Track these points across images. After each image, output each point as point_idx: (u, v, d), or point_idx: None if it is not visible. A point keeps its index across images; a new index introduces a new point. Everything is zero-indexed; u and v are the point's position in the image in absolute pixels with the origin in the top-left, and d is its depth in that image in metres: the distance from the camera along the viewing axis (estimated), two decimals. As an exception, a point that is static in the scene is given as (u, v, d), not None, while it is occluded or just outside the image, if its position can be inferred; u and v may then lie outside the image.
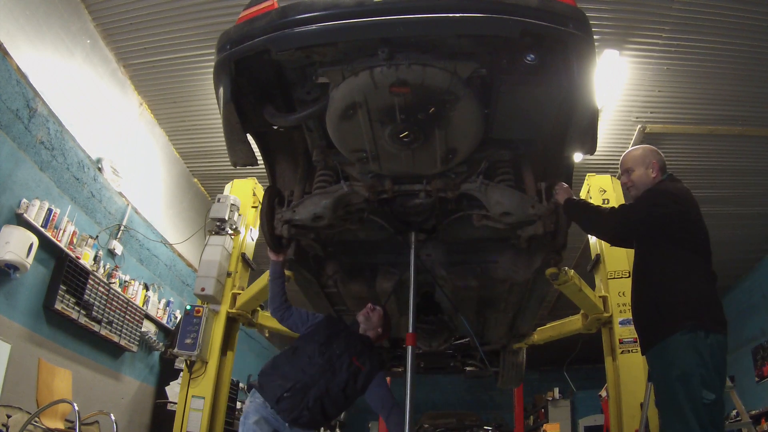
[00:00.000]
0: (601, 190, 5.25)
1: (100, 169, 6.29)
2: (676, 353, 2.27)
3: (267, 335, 11.83)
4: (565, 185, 3.01)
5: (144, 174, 7.27)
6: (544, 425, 12.72)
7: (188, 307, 5.03)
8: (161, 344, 7.62)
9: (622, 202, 2.92)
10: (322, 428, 10.30)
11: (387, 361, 5.93)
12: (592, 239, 5.50)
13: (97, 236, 6.13)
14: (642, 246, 2.62)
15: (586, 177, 5.51)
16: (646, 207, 2.55)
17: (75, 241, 5.64)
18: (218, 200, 5.19)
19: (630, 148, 2.89)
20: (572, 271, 4.22)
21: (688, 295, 2.36)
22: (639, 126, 6.65)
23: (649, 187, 2.65)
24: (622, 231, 2.71)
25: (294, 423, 3.05)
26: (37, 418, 4.40)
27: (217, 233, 5.10)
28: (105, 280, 6.15)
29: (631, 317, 2.74)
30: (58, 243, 5.35)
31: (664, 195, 2.53)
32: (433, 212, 3.32)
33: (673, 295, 2.37)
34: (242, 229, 5.33)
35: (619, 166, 2.86)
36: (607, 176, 5.45)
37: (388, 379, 5.24)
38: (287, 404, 3.02)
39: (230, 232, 5.13)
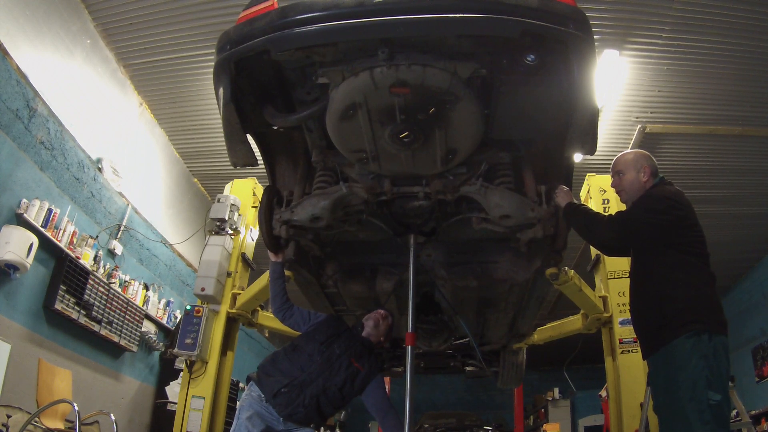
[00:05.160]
0: (601, 191, 5.24)
1: (100, 169, 6.29)
2: (681, 357, 2.27)
3: (267, 335, 11.83)
4: (566, 188, 2.99)
5: (144, 174, 7.26)
6: (544, 425, 12.72)
7: (188, 307, 5.03)
8: (161, 344, 7.62)
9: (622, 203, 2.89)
10: (321, 429, 10.28)
11: (386, 361, 5.93)
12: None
13: (97, 236, 6.13)
14: (641, 252, 2.60)
15: (586, 177, 5.51)
16: (646, 213, 2.51)
17: (75, 241, 5.63)
18: (218, 200, 5.19)
19: (623, 152, 2.87)
20: (572, 271, 4.22)
21: (691, 300, 2.35)
22: (639, 126, 6.65)
23: (646, 193, 2.63)
24: (623, 239, 2.66)
25: (288, 418, 3.07)
26: (37, 418, 4.40)
27: (217, 233, 5.10)
28: (105, 280, 6.14)
29: (632, 322, 2.72)
30: (58, 243, 5.34)
31: (661, 200, 2.51)
32: (433, 215, 3.31)
33: (677, 301, 2.36)
34: (242, 229, 5.33)
35: (610, 168, 2.84)
36: (607, 176, 5.35)
37: (387, 380, 5.25)
38: (284, 399, 3.04)
39: (230, 232, 5.13)
